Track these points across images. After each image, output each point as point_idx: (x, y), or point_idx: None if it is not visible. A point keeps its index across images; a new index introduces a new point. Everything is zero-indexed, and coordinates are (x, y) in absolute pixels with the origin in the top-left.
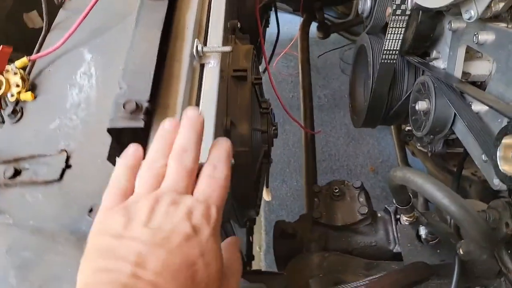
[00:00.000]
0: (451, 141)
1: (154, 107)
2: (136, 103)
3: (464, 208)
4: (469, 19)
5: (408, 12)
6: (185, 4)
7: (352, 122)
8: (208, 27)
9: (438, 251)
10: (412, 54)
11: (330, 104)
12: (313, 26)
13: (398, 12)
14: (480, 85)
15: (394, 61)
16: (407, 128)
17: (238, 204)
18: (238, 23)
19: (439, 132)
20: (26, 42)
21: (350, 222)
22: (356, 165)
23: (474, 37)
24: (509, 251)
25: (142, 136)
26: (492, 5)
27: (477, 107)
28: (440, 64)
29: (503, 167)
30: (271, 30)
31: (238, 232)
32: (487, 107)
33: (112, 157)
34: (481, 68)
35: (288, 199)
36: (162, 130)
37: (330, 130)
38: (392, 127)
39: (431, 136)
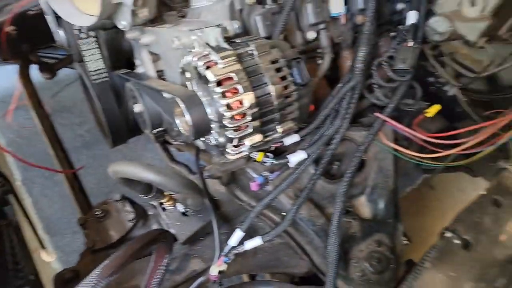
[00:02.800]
0: None
1: None
2: None
3: (160, 173)
4: (124, 28)
5: (91, 34)
6: None
7: (107, 144)
8: None
9: (200, 215)
10: (119, 67)
11: (97, 138)
12: None
13: (83, 35)
14: None
15: (106, 79)
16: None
17: None
18: None
19: (160, 125)
20: None
21: (125, 233)
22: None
23: (142, 46)
24: (238, 187)
25: None
26: (139, 13)
27: (165, 94)
28: (141, 69)
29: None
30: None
31: None
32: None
33: None
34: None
35: None
36: None
37: (106, 160)
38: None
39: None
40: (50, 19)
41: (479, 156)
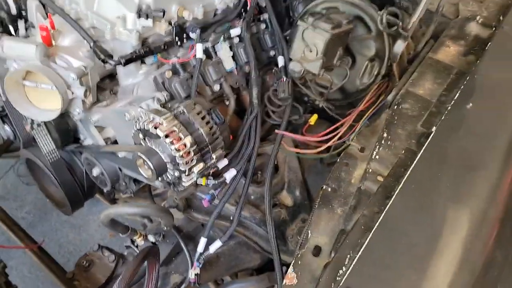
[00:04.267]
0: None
1: None
2: None
3: (140, 206)
4: (78, 115)
5: (41, 123)
6: None
7: (64, 213)
8: None
9: (167, 241)
10: (68, 144)
11: (39, 215)
12: None
13: (34, 126)
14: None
15: (59, 156)
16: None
17: None
18: None
19: (117, 181)
20: None
21: (111, 273)
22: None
23: (90, 123)
24: (192, 210)
25: None
26: (87, 101)
27: (120, 154)
28: (90, 141)
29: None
30: None
31: None
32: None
33: None
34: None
35: None
36: None
37: (56, 234)
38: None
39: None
40: None
41: (348, 143)
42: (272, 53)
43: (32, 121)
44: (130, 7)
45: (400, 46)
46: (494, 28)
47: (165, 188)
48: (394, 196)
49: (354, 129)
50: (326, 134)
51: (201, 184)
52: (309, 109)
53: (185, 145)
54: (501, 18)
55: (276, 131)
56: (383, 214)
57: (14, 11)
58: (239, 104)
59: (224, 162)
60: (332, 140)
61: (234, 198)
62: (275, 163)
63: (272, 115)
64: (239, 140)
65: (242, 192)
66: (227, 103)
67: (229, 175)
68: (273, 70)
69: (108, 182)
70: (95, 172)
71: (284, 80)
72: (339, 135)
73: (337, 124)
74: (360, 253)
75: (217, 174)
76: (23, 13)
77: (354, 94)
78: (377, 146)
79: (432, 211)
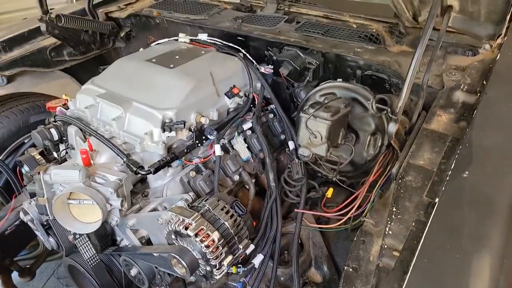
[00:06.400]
0: None
1: None
2: None
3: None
4: (115, 223)
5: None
6: None
7: None
8: None
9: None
10: (106, 248)
11: None
12: None
13: (77, 237)
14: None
15: (98, 260)
16: None
17: None
18: None
19: (154, 277)
20: None
21: None
22: None
23: (126, 227)
24: None
25: None
26: (123, 209)
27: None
28: (126, 242)
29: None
30: None
31: None
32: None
33: None
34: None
35: None
36: None
37: None
38: None
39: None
40: (40, 234)
41: (366, 212)
42: (282, 137)
43: (75, 234)
44: (156, 123)
45: (392, 128)
46: (479, 94)
47: (197, 280)
48: (409, 272)
49: (368, 200)
50: (344, 207)
51: (232, 273)
52: (324, 181)
53: (213, 241)
54: (484, 82)
55: (296, 210)
56: None
57: (56, 137)
58: (259, 185)
59: (251, 247)
60: (350, 212)
61: (265, 282)
62: (299, 241)
63: (290, 194)
64: (263, 224)
65: (271, 275)
66: (247, 187)
67: (257, 260)
68: (286, 151)
69: (146, 281)
70: (133, 272)
71: (296, 162)
72: (355, 206)
73: (352, 197)
74: None
75: (246, 260)
76: (64, 138)
77: (364, 166)
78: (389, 221)
79: (446, 284)
